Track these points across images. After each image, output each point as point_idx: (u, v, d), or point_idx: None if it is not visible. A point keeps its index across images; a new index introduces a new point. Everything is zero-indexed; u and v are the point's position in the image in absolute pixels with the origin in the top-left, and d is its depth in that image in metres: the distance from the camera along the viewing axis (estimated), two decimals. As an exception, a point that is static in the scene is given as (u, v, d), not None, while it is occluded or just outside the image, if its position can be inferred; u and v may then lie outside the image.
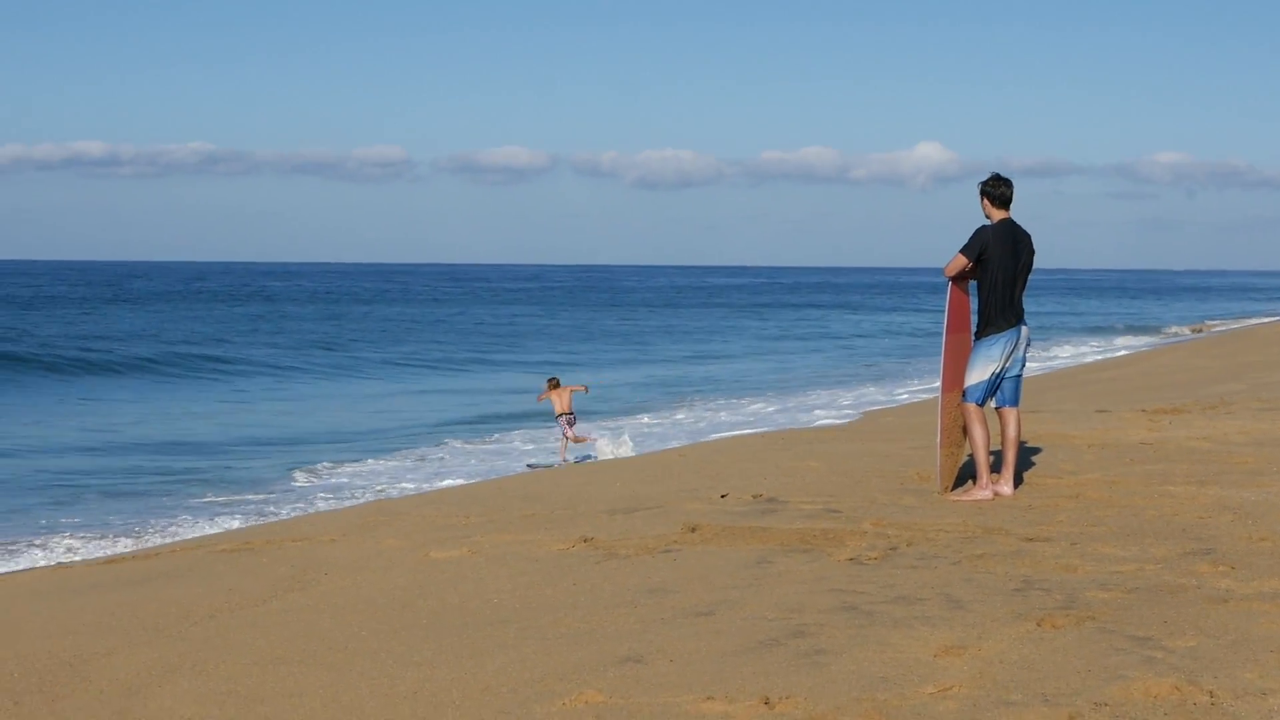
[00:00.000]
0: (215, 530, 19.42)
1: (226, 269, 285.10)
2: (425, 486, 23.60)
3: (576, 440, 23.57)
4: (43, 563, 17.26)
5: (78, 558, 17.50)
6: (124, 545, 18.55)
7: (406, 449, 30.11)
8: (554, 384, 23.75)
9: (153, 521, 20.99)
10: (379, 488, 24.12)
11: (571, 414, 23.09)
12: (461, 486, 21.82)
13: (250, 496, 23.67)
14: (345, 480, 25.69)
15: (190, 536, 18.76)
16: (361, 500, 22.26)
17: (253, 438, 33.20)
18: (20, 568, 17.03)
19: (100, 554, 17.63)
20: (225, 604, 11.76)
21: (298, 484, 25.25)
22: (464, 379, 54.08)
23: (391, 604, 11.40)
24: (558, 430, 23.39)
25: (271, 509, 22.08)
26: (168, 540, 18.63)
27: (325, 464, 27.44)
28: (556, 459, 23.00)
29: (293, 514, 20.76)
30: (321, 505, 22.22)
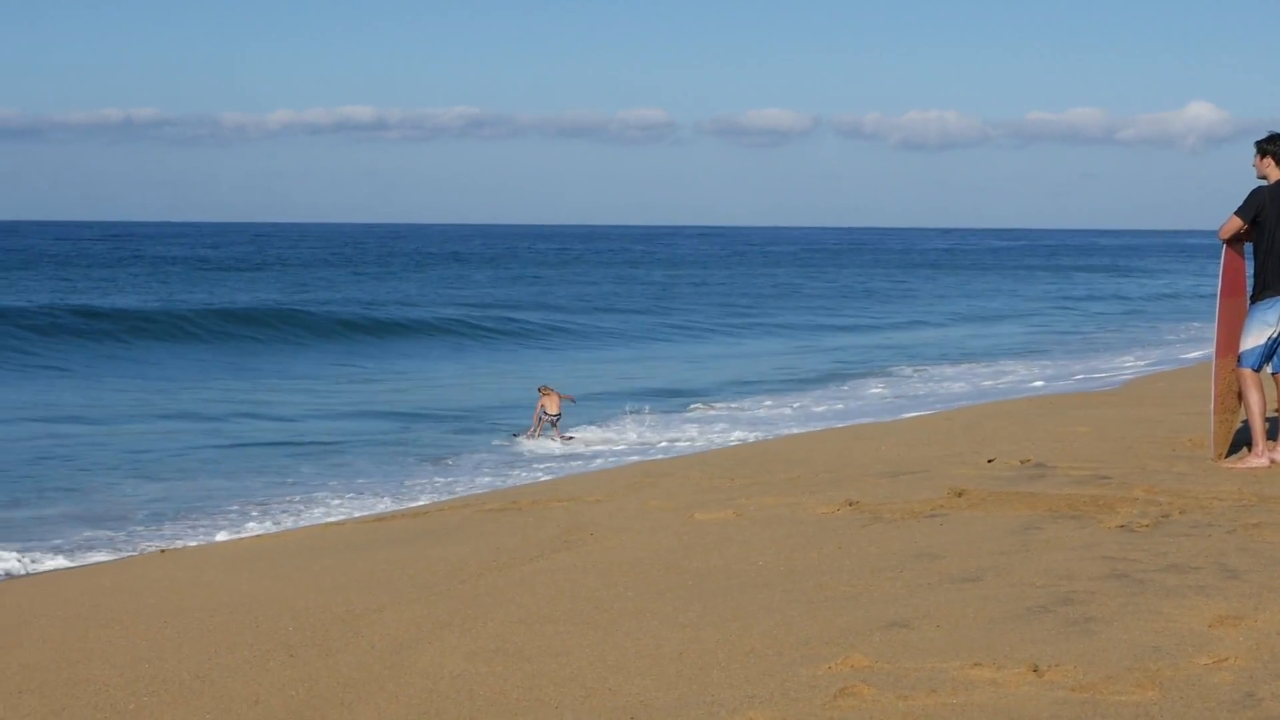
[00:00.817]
0: (485, 489, 19.67)
1: (484, 232, 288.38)
2: (694, 446, 23.66)
3: (565, 439, 25.74)
4: (305, 522, 17.61)
5: (344, 515, 17.83)
6: (385, 505, 18.85)
7: (672, 411, 30.23)
8: (545, 391, 26.30)
9: (419, 481, 21.31)
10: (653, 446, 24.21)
11: (559, 415, 25.85)
12: (726, 449, 21.85)
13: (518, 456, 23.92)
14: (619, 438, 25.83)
15: (460, 495, 19.01)
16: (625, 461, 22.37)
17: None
18: (287, 526, 17.42)
19: (364, 512, 17.96)
20: (493, 563, 11.91)
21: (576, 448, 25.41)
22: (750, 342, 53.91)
23: (657, 565, 11.45)
24: (546, 426, 26.13)
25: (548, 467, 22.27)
26: (439, 498, 18.90)
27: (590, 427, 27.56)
28: (529, 429, 26.01)
29: (569, 473, 20.94)
30: (596, 464, 22.39)
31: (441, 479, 21.39)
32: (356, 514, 17.77)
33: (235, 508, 18.86)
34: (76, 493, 20.04)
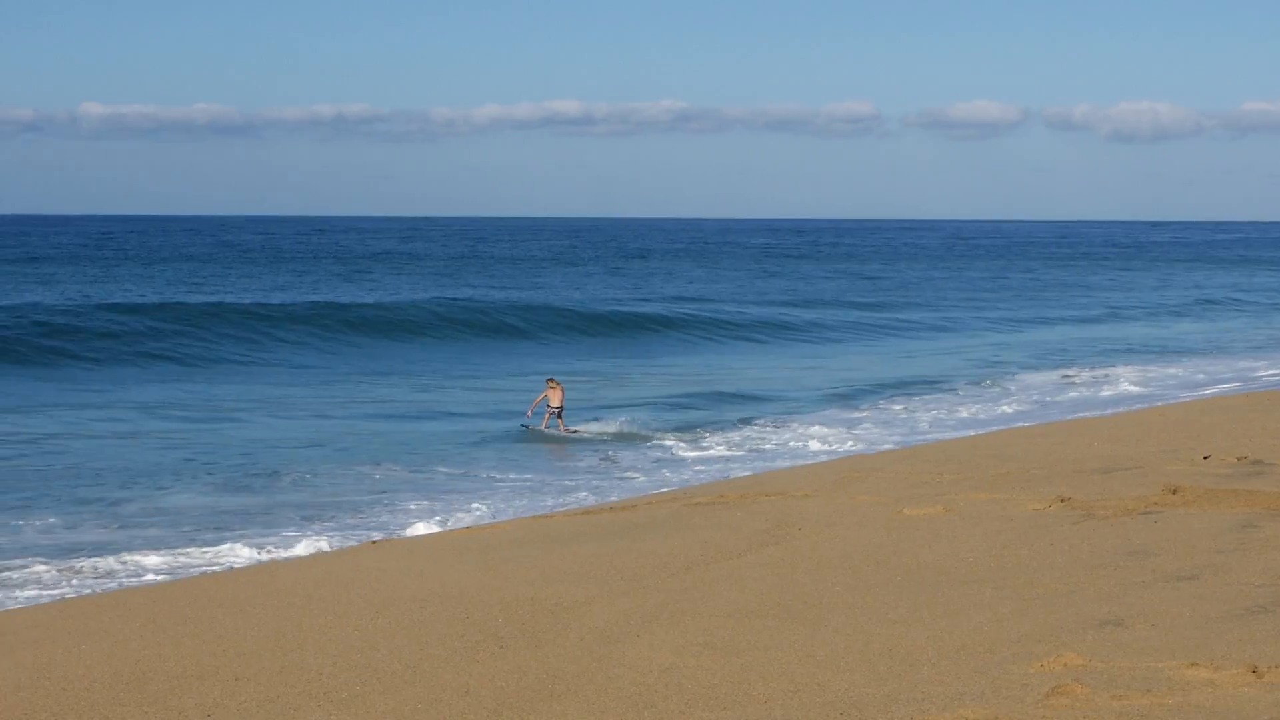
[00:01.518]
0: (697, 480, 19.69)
1: (691, 226, 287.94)
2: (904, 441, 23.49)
3: (569, 432, 26.48)
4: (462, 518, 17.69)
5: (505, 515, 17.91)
6: (582, 499, 18.91)
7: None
8: (552, 384, 27.27)
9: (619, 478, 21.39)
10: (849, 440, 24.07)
11: (562, 407, 26.75)
12: (935, 444, 21.66)
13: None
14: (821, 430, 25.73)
15: (666, 490, 19.04)
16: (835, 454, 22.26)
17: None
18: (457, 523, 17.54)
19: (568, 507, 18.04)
20: (701, 556, 11.91)
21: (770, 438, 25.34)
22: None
23: (865, 560, 11.39)
24: (551, 418, 26.92)
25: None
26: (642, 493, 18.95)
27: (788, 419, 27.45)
28: (536, 421, 26.85)
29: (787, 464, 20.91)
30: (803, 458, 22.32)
31: (644, 477, 21.45)
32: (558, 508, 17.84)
33: (413, 501, 18.98)
34: (284, 483, 20.34)
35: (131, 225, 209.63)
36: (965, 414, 28.63)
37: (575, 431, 26.30)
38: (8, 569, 14.71)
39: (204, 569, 14.71)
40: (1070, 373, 36.38)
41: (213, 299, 56.87)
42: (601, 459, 23.21)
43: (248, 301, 54.39)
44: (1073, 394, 31.82)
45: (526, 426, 26.71)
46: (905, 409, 29.52)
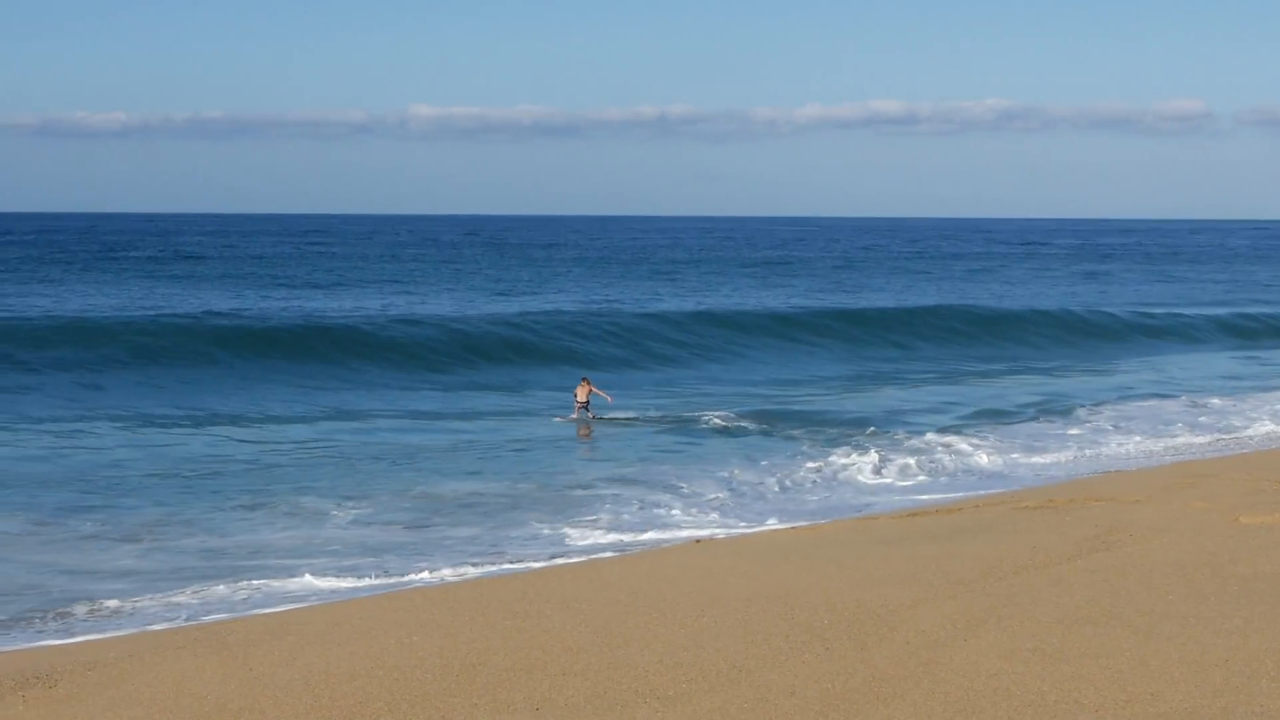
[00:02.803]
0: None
1: (1014, 226, 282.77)
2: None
3: (584, 430, 27.63)
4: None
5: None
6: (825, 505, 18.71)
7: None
8: (584, 382, 29.54)
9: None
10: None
11: (586, 403, 28.74)
12: (1272, 451, 21.04)
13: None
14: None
15: (994, 491, 18.79)
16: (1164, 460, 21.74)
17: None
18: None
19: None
20: (1029, 561, 11.73)
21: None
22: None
23: (1200, 568, 11.10)
24: (581, 411, 28.79)
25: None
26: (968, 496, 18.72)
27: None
28: (570, 414, 29.00)
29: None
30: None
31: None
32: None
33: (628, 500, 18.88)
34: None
35: (481, 224, 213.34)
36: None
37: (589, 435, 27.41)
38: (340, 564, 15.06)
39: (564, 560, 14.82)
40: None
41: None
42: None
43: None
44: None
45: (559, 419, 28.76)
46: None
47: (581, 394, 28.99)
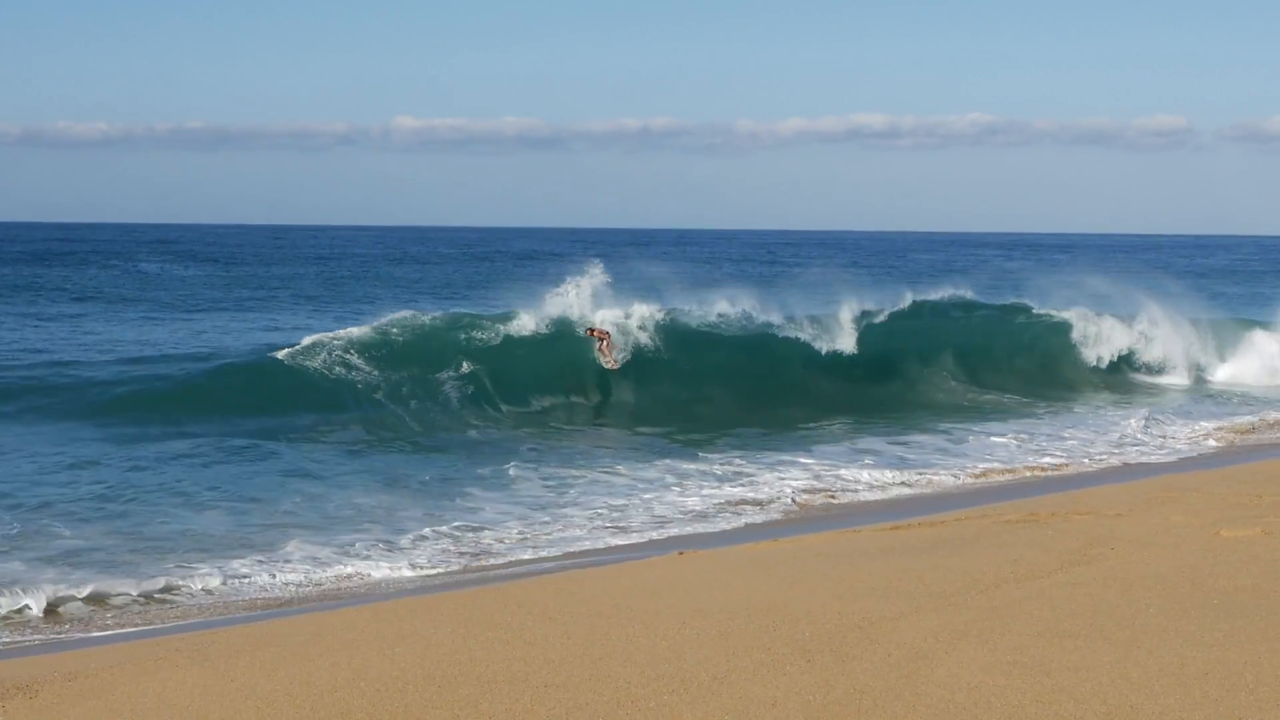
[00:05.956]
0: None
1: (1006, 240, 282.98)
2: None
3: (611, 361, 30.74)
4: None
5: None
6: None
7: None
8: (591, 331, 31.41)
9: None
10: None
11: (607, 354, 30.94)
12: (1253, 464, 21.08)
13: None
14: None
15: (975, 507, 18.81)
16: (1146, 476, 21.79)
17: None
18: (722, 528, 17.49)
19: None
20: (1011, 574, 11.76)
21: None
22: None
23: (1180, 581, 11.13)
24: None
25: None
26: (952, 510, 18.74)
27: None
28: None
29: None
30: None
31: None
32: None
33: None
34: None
35: (452, 235, 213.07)
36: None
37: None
38: (335, 576, 15.05)
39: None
40: None
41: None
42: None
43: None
44: None
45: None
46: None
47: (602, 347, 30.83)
